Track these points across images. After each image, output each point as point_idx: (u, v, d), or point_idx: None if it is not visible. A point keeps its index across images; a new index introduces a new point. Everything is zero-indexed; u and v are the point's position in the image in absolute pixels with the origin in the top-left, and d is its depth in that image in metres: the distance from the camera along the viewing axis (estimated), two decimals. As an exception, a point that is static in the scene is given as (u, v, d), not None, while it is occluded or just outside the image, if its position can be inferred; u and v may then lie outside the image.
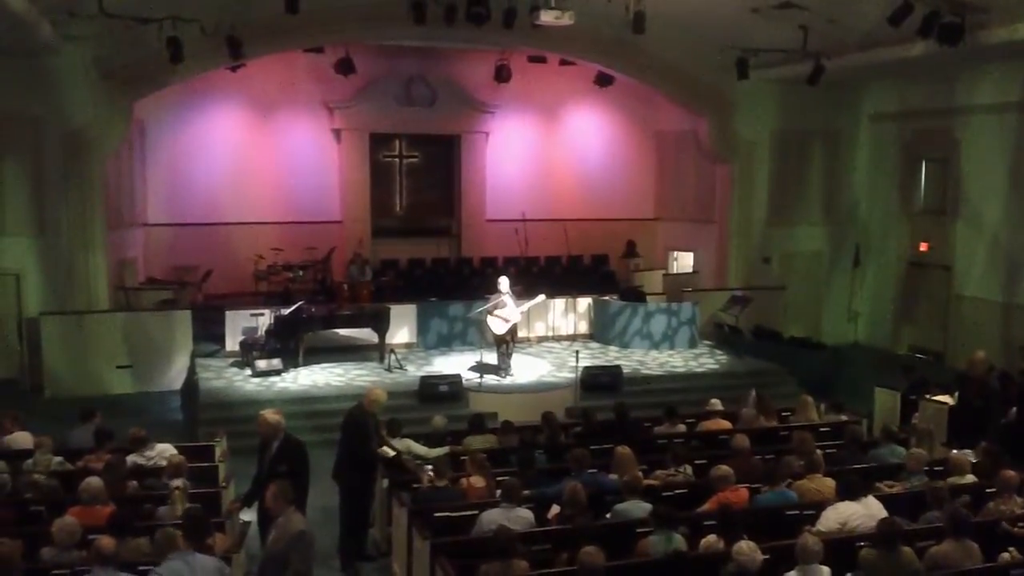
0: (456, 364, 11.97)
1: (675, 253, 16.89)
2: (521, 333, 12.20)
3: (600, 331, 13.73)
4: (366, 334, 12.27)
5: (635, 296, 13.86)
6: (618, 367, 11.62)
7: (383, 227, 16.08)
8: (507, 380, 11.22)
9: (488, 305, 11.06)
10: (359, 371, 11.66)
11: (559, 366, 12.07)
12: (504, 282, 11.23)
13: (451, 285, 14.59)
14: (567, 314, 13.73)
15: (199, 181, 14.75)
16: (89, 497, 5.57)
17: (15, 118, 11.41)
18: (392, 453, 6.84)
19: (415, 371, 11.54)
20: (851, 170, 14.87)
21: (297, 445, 6.29)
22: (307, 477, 6.11)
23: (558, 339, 13.61)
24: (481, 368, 11.38)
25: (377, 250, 15.35)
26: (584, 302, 13.91)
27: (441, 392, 10.49)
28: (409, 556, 6.00)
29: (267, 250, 14.51)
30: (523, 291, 12.09)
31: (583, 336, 13.78)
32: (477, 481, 6.27)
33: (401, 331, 12.95)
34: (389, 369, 11.63)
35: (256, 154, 15.14)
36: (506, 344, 11.25)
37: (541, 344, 13.38)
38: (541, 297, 11.54)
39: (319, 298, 13.40)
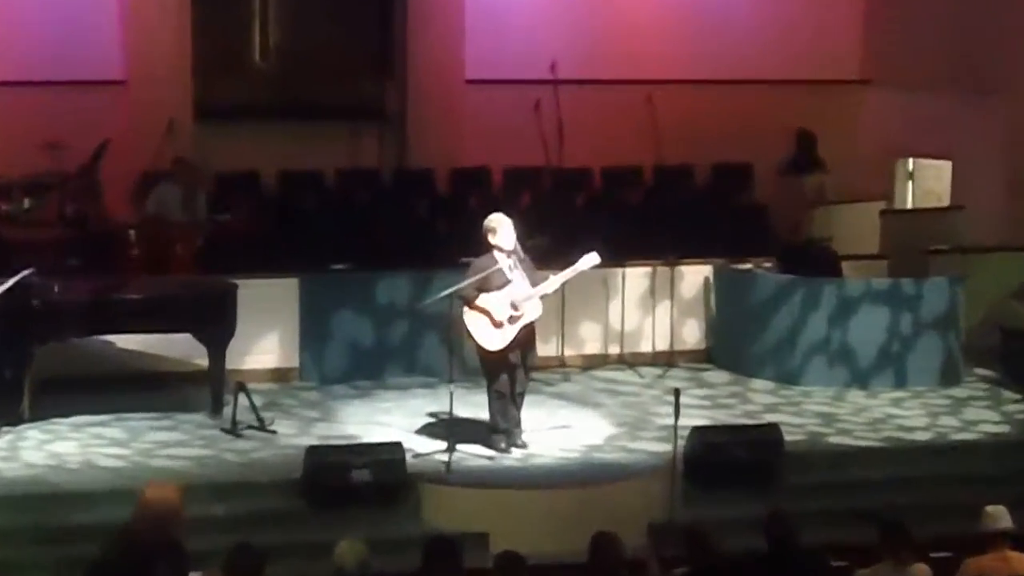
0: (392, 419, 11.99)
1: (909, 162, 16.61)
2: (546, 348, 12.40)
3: (730, 344, 13.72)
4: (182, 347, 12.23)
5: (816, 262, 13.48)
6: (772, 429, 11.43)
7: (222, 99, 15.96)
8: (514, 455, 11.18)
9: (468, 282, 10.86)
10: (164, 434, 11.48)
11: (634, 425, 11.96)
12: (505, 228, 10.96)
13: (383, 235, 14.39)
14: (654, 302, 13.65)
15: None
16: None
17: None
18: None
19: (296, 435, 11.50)
20: None
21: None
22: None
23: (631, 362, 13.57)
24: (452, 429, 11.10)
25: (209, 150, 15.18)
26: (694, 275, 13.81)
27: (356, 485, 10.45)
28: None
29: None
30: (550, 249, 12.28)
31: (690, 355, 13.78)
32: None
33: (264, 341, 12.90)
34: (235, 430, 11.42)
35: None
36: (511, 372, 11.02)
37: (591, 372, 13.40)
38: (590, 261, 11.10)
39: (72, 261, 13.15)
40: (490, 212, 11.31)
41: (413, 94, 16.32)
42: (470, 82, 16.23)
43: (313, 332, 12.92)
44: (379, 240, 14.27)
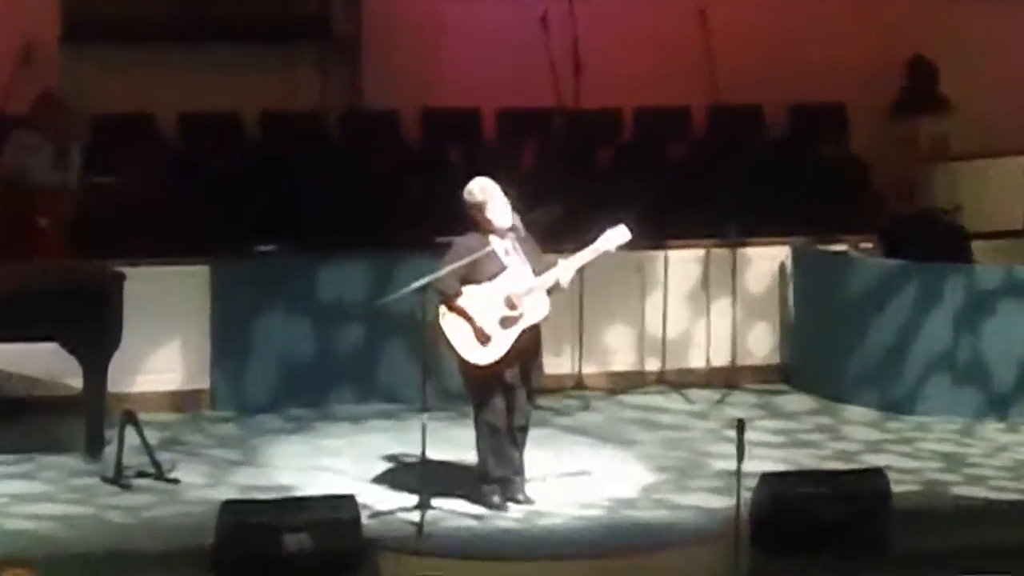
0: (342, 463, 12.08)
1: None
2: (557, 363, 12.90)
3: (815, 357, 13.96)
4: (46, 361, 12.43)
5: (935, 241, 13.61)
6: (875, 476, 11.20)
7: (101, 14, 15.94)
8: (512, 513, 11.14)
9: (449, 270, 10.91)
10: (22, 484, 11.62)
11: (681, 470, 12.13)
12: (496, 199, 10.92)
13: (328, 204, 14.53)
14: (709, 298, 13.91)
15: None
16: None
17: None
18: None
19: (207, 485, 11.60)
20: None
21: None
22: None
23: (676, 383, 13.82)
24: (425, 477, 11.05)
25: (84, 84, 15.15)
26: (765, 260, 14.11)
27: (290, 554, 10.20)
28: None
29: None
30: (562, 222, 12.71)
31: (760, 372, 14.07)
32: None
33: (162, 353, 13.07)
34: (120, 479, 11.44)
35: None
36: (507, 396, 11.07)
37: (620, 398, 13.65)
38: (618, 238, 11.09)
39: None
40: (478, 172, 11.05)
41: (370, 6, 16.08)
42: (454, -11, 16.14)
43: (230, 341, 12.93)
44: (322, 211, 14.20)
